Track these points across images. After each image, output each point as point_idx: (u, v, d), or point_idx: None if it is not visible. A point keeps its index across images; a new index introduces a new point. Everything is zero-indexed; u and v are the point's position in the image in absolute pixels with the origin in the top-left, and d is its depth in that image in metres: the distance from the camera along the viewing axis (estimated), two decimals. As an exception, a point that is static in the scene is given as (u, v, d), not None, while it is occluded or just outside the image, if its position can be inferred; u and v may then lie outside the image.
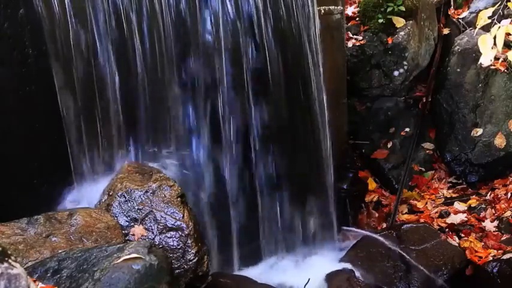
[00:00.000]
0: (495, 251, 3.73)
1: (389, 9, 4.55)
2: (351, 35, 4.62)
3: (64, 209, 2.65)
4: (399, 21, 4.59)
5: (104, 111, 2.88)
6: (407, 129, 4.73)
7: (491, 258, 3.61)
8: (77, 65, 2.76)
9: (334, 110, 3.89)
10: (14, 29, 2.53)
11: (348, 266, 3.55)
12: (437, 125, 4.81)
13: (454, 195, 4.51)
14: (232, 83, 3.23)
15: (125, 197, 2.62)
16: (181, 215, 2.57)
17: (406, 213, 4.40)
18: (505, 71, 4.48)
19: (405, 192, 4.50)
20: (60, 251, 2.21)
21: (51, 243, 2.32)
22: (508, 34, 3.15)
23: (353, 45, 4.58)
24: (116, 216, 2.57)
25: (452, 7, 5.06)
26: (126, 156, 2.97)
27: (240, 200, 3.42)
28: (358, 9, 4.74)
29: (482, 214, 4.20)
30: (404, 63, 4.62)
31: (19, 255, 2.19)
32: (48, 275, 1.99)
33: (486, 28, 3.02)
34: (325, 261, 3.65)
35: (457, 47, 4.72)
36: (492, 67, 4.44)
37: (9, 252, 1.34)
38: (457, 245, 3.83)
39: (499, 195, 4.32)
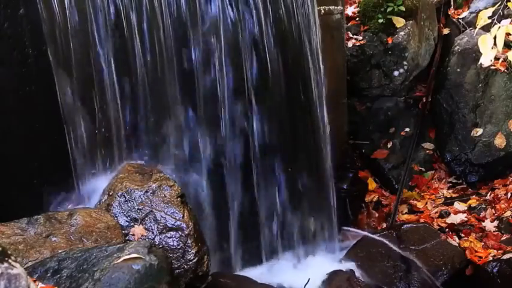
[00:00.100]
0: (495, 251, 3.73)
1: (389, 9, 4.55)
2: (351, 35, 4.62)
3: (64, 209, 2.65)
4: (399, 21, 4.59)
5: (104, 111, 2.88)
6: (407, 129, 4.73)
7: (491, 258, 3.61)
8: (77, 65, 2.76)
9: (334, 110, 3.89)
10: (14, 29, 2.53)
11: (348, 266, 3.55)
12: (437, 125, 4.81)
13: (454, 195, 4.51)
14: (233, 82, 3.23)
15: (125, 197, 2.63)
16: (181, 215, 2.57)
17: (406, 213, 4.40)
18: (505, 71, 4.48)
19: (405, 192, 4.50)
20: (60, 251, 2.21)
21: (51, 243, 2.32)
22: (508, 34, 3.15)
23: (353, 45, 4.58)
24: (116, 216, 2.57)
25: (452, 7, 5.06)
26: (126, 156, 2.97)
27: (240, 200, 3.42)
28: (358, 9, 4.74)
29: (482, 214, 4.20)
30: (404, 63, 4.62)
31: (19, 255, 2.19)
32: (48, 275, 1.99)
33: (486, 28, 3.02)
34: (325, 261, 3.65)
35: (457, 47, 4.72)
36: (492, 67, 4.44)
37: (9, 252, 1.34)
38: (457, 245, 3.83)
39: (499, 195, 4.32)
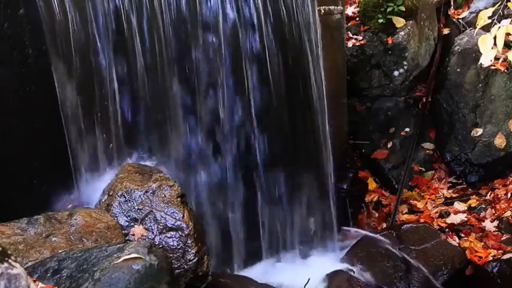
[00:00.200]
0: (495, 251, 3.73)
1: (389, 9, 4.55)
2: (351, 35, 4.62)
3: (64, 209, 2.65)
4: (399, 21, 4.59)
5: (104, 111, 2.88)
6: (407, 129, 4.73)
7: (491, 258, 3.61)
8: (77, 65, 2.76)
9: (334, 110, 3.89)
10: (14, 29, 2.52)
11: (348, 266, 3.55)
12: (437, 125, 4.81)
13: (454, 195, 4.51)
14: (233, 83, 3.24)
15: (125, 197, 2.62)
16: (181, 215, 2.57)
17: (406, 213, 4.40)
18: (505, 71, 4.48)
19: (405, 192, 4.50)
20: (60, 251, 2.21)
21: (51, 243, 2.32)
22: (508, 34, 3.15)
23: (353, 45, 4.59)
24: (116, 216, 2.57)
25: (452, 7, 5.06)
26: (126, 156, 2.97)
27: (240, 200, 3.42)
28: (358, 9, 4.74)
29: (482, 214, 4.20)
30: (404, 63, 4.62)
31: (19, 255, 2.19)
32: (48, 275, 1.99)
33: (486, 28, 3.02)
34: (325, 261, 3.65)
35: (457, 47, 4.72)
36: (492, 67, 4.44)
37: (9, 252, 1.34)
38: (457, 245, 3.83)
39: (499, 195, 4.32)
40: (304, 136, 3.66)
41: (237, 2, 3.15)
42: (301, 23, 3.40)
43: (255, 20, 3.22)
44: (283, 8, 3.31)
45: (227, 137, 3.29)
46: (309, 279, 3.30)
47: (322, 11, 3.80)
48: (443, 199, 4.47)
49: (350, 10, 4.74)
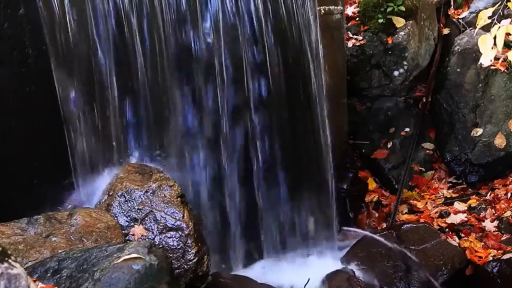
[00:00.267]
0: (495, 251, 3.73)
1: (389, 9, 4.55)
2: (351, 35, 4.62)
3: (64, 209, 2.65)
4: (399, 21, 4.59)
5: (104, 111, 2.88)
6: (407, 129, 4.73)
7: (491, 258, 3.61)
8: (77, 65, 2.76)
9: (334, 110, 3.89)
10: (14, 29, 2.53)
11: (348, 266, 3.55)
12: (437, 125, 4.81)
13: (454, 195, 4.51)
14: (233, 83, 3.24)
15: (125, 197, 2.63)
16: (181, 215, 2.57)
17: (406, 213, 4.40)
18: (505, 71, 4.48)
19: (405, 192, 4.50)
20: (60, 251, 2.21)
21: (51, 243, 2.32)
22: (508, 34, 3.15)
23: (353, 45, 4.58)
24: (116, 216, 2.57)
25: (452, 7, 5.06)
26: (126, 156, 2.97)
27: (240, 200, 3.42)
28: (358, 9, 4.74)
29: (482, 214, 4.20)
30: (404, 63, 4.62)
31: (19, 255, 2.19)
32: (48, 275, 1.99)
33: (486, 28, 3.02)
34: (325, 261, 3.65)
35: (457, 47, 4.72)
36: (492, 67, 4.44)
37: (9, 252, 1.34)
38: (457, 245, 3.83)
39: (499, 195, 4.32)
40: (304, 136, 3.66)
41: (237, 2, 3.15)
42: (301, 23, 3.40)
43: (255, 20, 3.22)
44: (283, 8, 3.31)
45: (227, 137, 3.29)
46: (309, 279, 3.30)
47: (322, 11, 3.80)
48: (443, 199, 4.46)
49: (350, 10, 4.74)
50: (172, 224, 2.55)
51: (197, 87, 3.16)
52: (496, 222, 4.08)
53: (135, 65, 2.92)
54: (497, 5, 3.21)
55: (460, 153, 4.59)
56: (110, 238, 2.42)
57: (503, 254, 3.60)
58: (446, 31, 4.99)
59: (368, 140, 4.70)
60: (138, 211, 2.59)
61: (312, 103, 3.58)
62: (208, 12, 3.09)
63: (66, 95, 2.74)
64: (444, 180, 4.67)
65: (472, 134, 4.53)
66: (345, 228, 4.01)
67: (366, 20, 4.67)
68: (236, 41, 3.20)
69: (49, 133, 2.73)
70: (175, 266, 2.46)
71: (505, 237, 3.91)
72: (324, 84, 3.60)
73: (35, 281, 1.58)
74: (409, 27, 4.59)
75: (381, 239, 3.72)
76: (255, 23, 3.22)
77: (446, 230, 4.08)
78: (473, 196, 4.42)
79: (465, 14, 4.99)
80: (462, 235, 4.03)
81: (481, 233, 4.02)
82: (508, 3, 3.18)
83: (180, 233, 2.54)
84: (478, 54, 3.65)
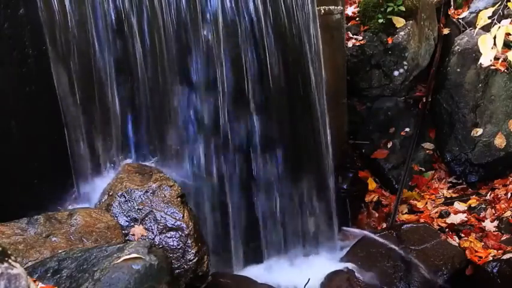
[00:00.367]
0: (495, 251, 3.73)
1: (389, 9, 4.55)
2: (351, 35, 4.62)
3: (64, 209, 2.65)
4: (399, 21, 4.59)
5: (104, 111, 2.88)
6: (407, 129, 4.72)
7: (491, 258, 3.61)
8: (76, 65, 2.76)
9: (334, 110, 3.89)
10: (14, 29, 2.53)
11: (348, 266, 3.55)
12: (437, 125, 4.81)
13: (454, 195, 4.51)
14: (233, 83, 3.24)
15: (125, 197, 2.63)
16: (181, 215, 2.57)
17: (406, 213, 4.39)
18: (505, 71, 4.48)
19: (405, 192, 4.50)
20: (60, 251, 2.21)
21: (51, 243, 2.32)
22: (508, 34, 3.15)
23: (353, 45, 4.58)
24: (116, 216, 2.58)
25: (452, 7, 5.06)
26: (126, 156, 2.97)
27: (240, 200, 3.42)
28: (358, 9, 4.74)
29: (482, 214, 4.20)
30: (404, 63, 4.62)
31: (19, 255, 2.19)
32: (48, 275, 1.99)
33: (486, 28, 3.02)
34: (325, 261, 3.65)
35: (457, 47, 4.72)
36: (492, 67, 4.44)
37: (9, 252, 1.34)
38: (457, 245, 3.83)
39: (499, 195, 4.32)
40: (304, 136, 3.66)
41: (236, 2, 3.15)
42: (301, 23, 3.40)
43: (255, 20, 3.22)
44: (283, 8, 3.30)
45: (227, 137, 3.29)
46: (309, 279, 3.30)
47: (322, 11, 3.80)
48: (443, 199, 4.46)
49: (350, 10, 4.73)
50: (172, 224, 2.55)
51: (197, 87, 3.16)
52: (496, 222, 4.07)
53: (135, 64, 2.92)
54: (497, 5, 3.21)
55: (460, 153, 4.59)
56: (110, 238, 2.42)
57: (503, 254, 3.60)
58: (446, 31, 4.98)
59: (368, 140, 4.70)
60: (138, 211, 2.59)
61: (312, 103, 3.58)
62: (208, 12, 3.09)
63: (66, 95, 2.74)
64: (444, 180, 4.67)
65: (472, 134, 4.53)
66: (345, 228, 4.01)
67: (366, 20, 4.67)
68: (236, 41, 3.20)
69: (49, 133, 2.73)
70: (175, 266, 2.46)
71: (505, 237, 3.91)
72: (324, 84, 3.60)
73: (35, 281, 1.58)
74: (409, 27, 4.59)
75: (381, 239, 3.72)
76: (254, 23, 3.22)
77: (446, 230, 4.08)
78: (473, 196, 4.42)
79: (465, 14, 4.99)
80: (462, 235, 4.03)
81: (481, 233, 4.02)
82: (508, 3, 3.18)
83: (180, 233, 2.54)
84: (478, 54, 3.65)
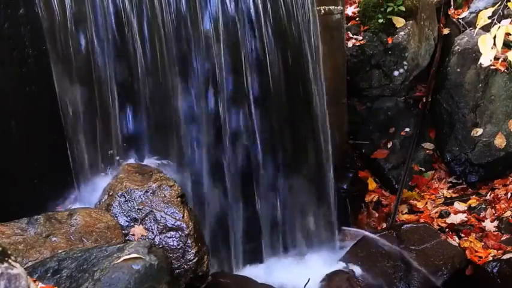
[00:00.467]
0: (495, 251, 3.73)
1: (389, 9, 4.55)
2: (351, 35, 4.62)
3: (64, 209, 2.65)
4: (399, 21, 4.59)
5: (104, 110, 2.88)
6: (407, 129, 4.72)
7: (491, 258, 3.61)
8: (76, 65, 2.76)
9: (334, 110, 3.89)
10: (14, 29, 2.53)
11: (348, 266, 3.55)
12: (437, 125, 4.81)
13: (454, 195, 4.51)
14: (233, 83, 3.24)
15: (125, 197, 2.63)
16: (181, 215, 2.57)
17: (406, 213, 4.39)
18: (505, 71, 4.48)
19: (405, 192, 4.50)
20: (60, 251, 2.22)
21: (51, 243, 2.32)
22: (508, 34, 3.15)
23: (353, 45, 4.58)
24: (116, 216, 2.58)
25: (452, 7, 5.06)
26: (126, 156, 2.97)
27: (240, 200, 3.42)
28: (358, 9, 4.74)
29: (482, 214, 4.20)
30: (404, 63, 4.62)
31: (19, 255, 2.19)
32: (48, 275, 1.99)
33: (486, 28, 3.02)
34: (325, 261, 3.65)
35: (457, 47, 4.72)
36: (492, 67, 4.44)
37: (9, 252, 1.34)
38: (457, 245, 3.83)
39: (499, 195, 4.32)
40: (304, 136, 3.66)
41: (236, 2, 3.15)
42: (301, 23, 3.40)
43: (255, 20, 3.22)
44: (283, 8, 3.31)
45: (227, 137, 3.29)
46: (309, 279, 3.30)
47: (322, 11, 3.80)
48: (443, 199, 4.46)
49: (350, 10, 4.73)
50: (172, 224, 2.55)
51: (197, 87, 3.16)
52: (496, 222, 4.07)
53: (135, 64, 2.92)
54: (497, 5, 3.21)
55: (460, 153, 4.59)
56: (110, 238, 2.42)
57: (503, 254, 3.60)
58: (446, 31, 4.98)
59: (368, 140, 4.70)
60: (138, 211, 2.59)
61: (312, 103, 3.58)
62: (208, 12, 3.09)
63: (66, 95, 2.74)
64: (444, 180, 4.67)
65: (472, 134, 4.53)
66: (345, 228, 4.01)
67: (366, 20, 4.67)
68: (236, 40, 3.20)
69: (49, 133, 2.73)
70: (175, 266, 2.46)
71: (505, 237, 3.91)
72: (324, 84, 3.60)
73: (35, 281, 1.58)
74: (409, 27, 4.59)
75: (381, 239, 3.72)
76: (254, 23, 3.22)
77: (446, 230, 4.08)
78: (473, 196, 4.42)
79: (465, 14, 4.98)
80: (462, 235, 4.03)
81: (481, 233, 4.02)
82: (508, 3, 3.18)
83: (180, 233, 2.54)
84: (478, 54, 3.65)
